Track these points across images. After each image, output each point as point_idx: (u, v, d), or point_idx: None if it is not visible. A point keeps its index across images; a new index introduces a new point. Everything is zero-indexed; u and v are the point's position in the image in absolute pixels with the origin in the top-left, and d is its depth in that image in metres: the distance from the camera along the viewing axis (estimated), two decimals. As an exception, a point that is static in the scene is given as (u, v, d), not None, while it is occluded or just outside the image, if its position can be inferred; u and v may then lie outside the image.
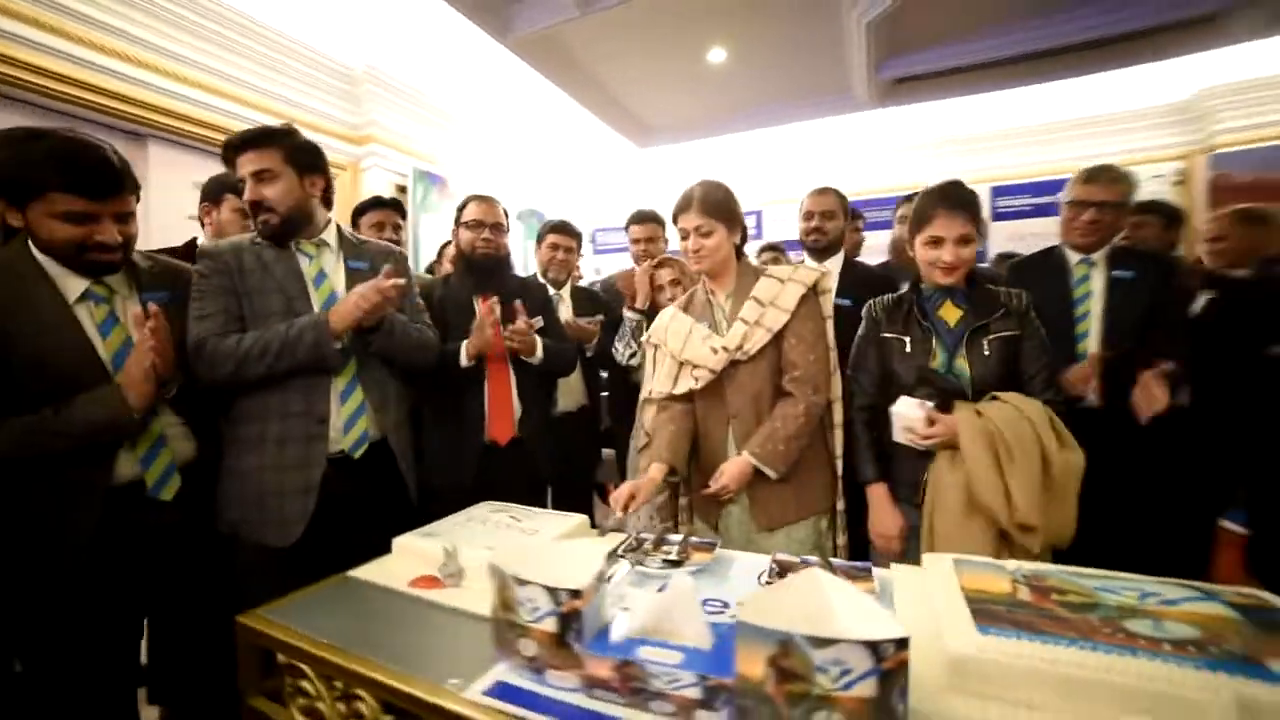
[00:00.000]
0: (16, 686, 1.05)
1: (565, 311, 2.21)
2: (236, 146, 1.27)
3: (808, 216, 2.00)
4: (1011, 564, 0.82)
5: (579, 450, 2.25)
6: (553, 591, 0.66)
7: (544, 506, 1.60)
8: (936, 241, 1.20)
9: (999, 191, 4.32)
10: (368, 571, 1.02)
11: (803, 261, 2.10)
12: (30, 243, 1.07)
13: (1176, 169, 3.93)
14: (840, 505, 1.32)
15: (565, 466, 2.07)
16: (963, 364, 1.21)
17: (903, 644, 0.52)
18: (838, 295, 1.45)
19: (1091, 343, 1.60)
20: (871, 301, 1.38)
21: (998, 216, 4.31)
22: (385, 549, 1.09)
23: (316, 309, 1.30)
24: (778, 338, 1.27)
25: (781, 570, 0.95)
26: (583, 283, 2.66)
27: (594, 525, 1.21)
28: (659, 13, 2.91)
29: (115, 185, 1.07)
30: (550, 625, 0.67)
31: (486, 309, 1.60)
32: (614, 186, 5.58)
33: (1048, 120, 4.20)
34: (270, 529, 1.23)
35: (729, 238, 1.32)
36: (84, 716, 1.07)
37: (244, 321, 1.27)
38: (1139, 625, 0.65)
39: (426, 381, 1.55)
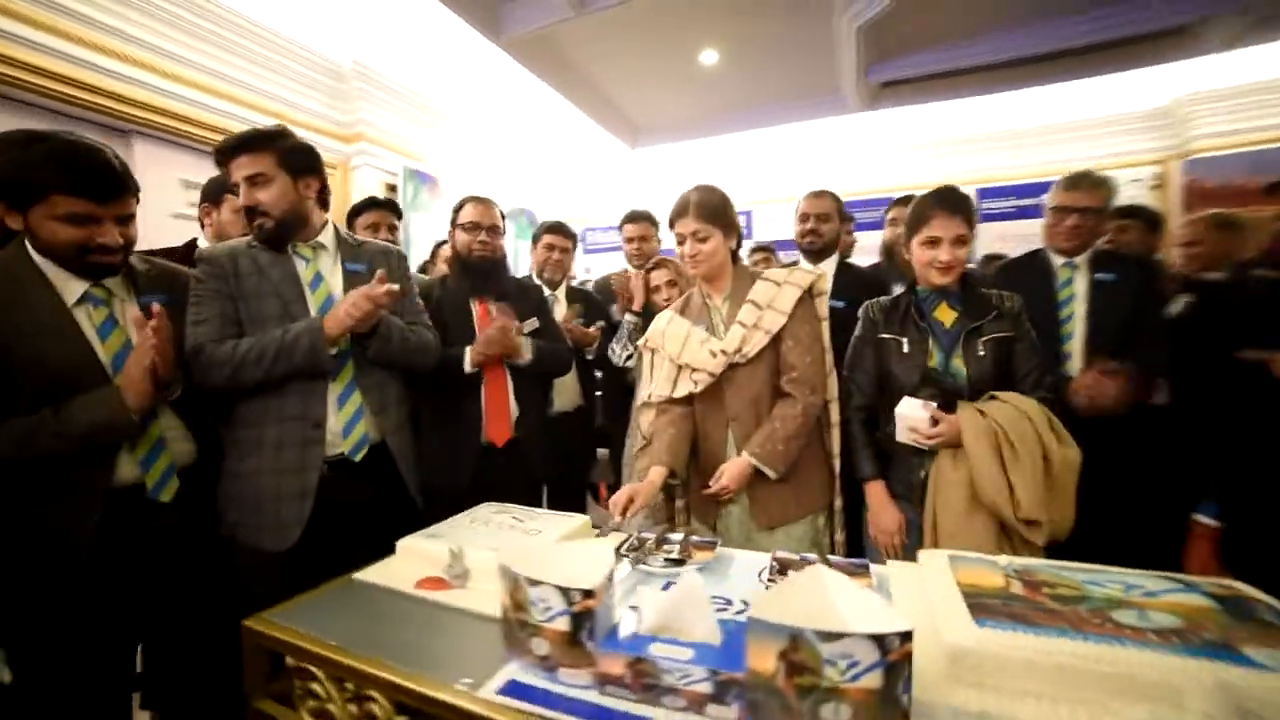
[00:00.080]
0: (8, 692, 1.04)
1: (560, 312, 2.22)
2: (229, 150, 1.26)
3: (803, 219, 2.03)
4: (1004, 559, 0.86)
5: (575, 450, 2.26)
6: (565, 591, 0.68)
7: (539, 506, 1.62)
8: (934, 242, 1.24)
9: (985, 193, 4.41)
10: (372, 574, 1.03)
11: (796, 263, 2.13)
12: (28, 245, 1.06)
13: (1154, 173, 4.04)
14: (838, 503, 1.35)
15: (563, 466, 2.08)
16: (959, 364, 1.24)
17: (907, 637, 0.54)
18: (832, 297, 1.47)
19: (1076, 344, 1.65)
20: (868, 303, 1.41)
21: (984, 218, 4.39)
22: (385, 551, 1.09)
23: (313, 312, 1.29)
24: (775, 340, 1.29)
25: (782, 568, 0.97)
26: (574, 282, 2.67)
27: (594, 525, 1.23)
28: (652, 14, 2.92)
29: (117, 188, 1.06)
30: (563, 624, 0.68)
31: (489, 319, 1.61)
32: (605, 186, 5.59)
33: (1031, 124, 4.30)
34: (267, 533, 1.23)
35: (725, 242, 1.34)
36: None
37: (241, 326, 1.26)
38: (1125, 616, 0.68)
39: (424, 384, 1.56)
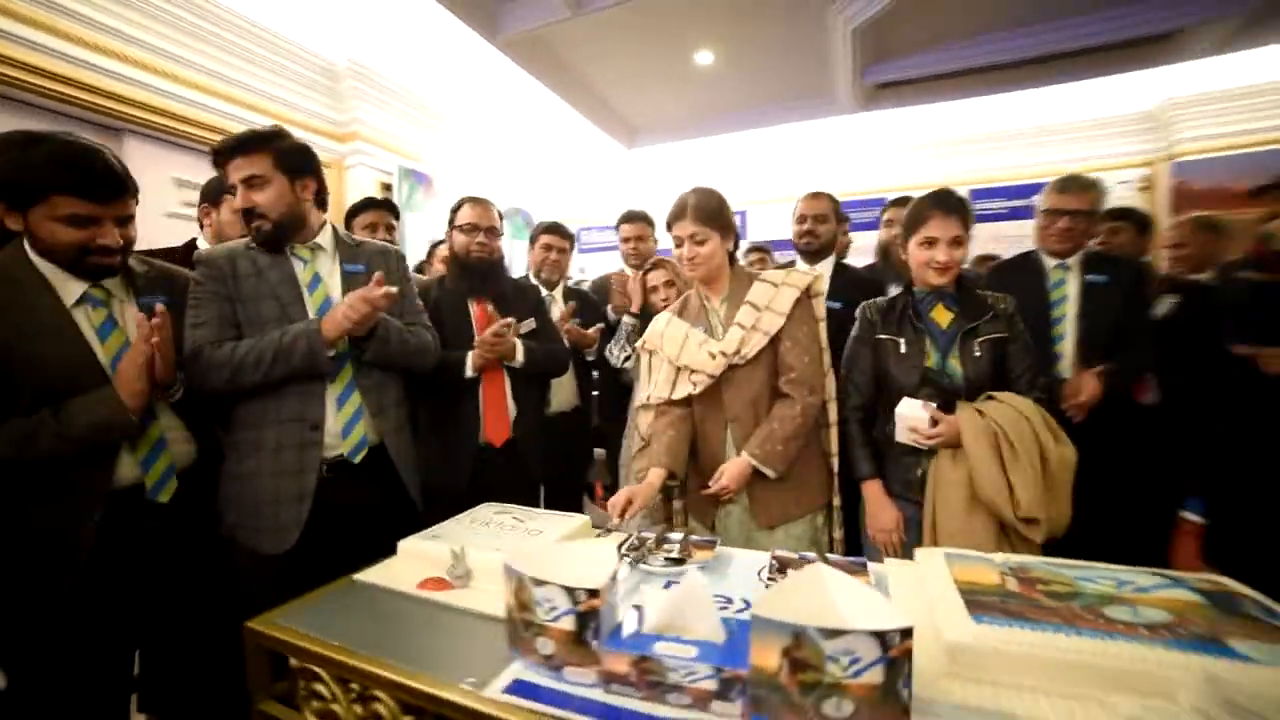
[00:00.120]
0: (4, 696, 1.04)
1: (557, 312, 2.22)
2: (225, 152, 1.26)
3: (801, 220, 2.04)
4: (999, 557, 0.87)
5: (572, 450, 2.26)
6: (571, 591, 0.69)
7: (537, 506, 1.62)
8: (931, 242, 1.25)
9: (978, 194, 4.45)
10: (373, 575, 1.03)
11: (793, 263, 2.15)
12: (27, 246, 1.06)
13: (1142, 175, 4.10)
14: (836, 501, 1.36)
15: (561, 467, 2.08)
16: (955, 365, 1.26)
17: (907, 633, 0.55)
18: (828, 298, 1.49)
19: (1067, 345, 1.68)
20: (865, 304, 1.43)
21: (977, 218, 4.41)
22: (384, 553, 1.09)
23: (311, 314, 1.29)
24: (774, 341, 1.30)
25: (781, 566, 0.98)
26: (570, 282, 2.68)
27: (594, 525, 1.23)
28: (648, 15, 2.93)
29: (118, 189, 1.06)
30: (568, 624, 0.69)
31: (487, 320, 1.61)
32: (600, 186, 5.60)
33: (1023, 126, 4.35)
34: (265, 535, 1.23)
35: (722, 244, 1.35)
36: None
37: (240, 328, 1.26)
38: (1117, 611, 0.70)
39: (422, 385, 1.56)
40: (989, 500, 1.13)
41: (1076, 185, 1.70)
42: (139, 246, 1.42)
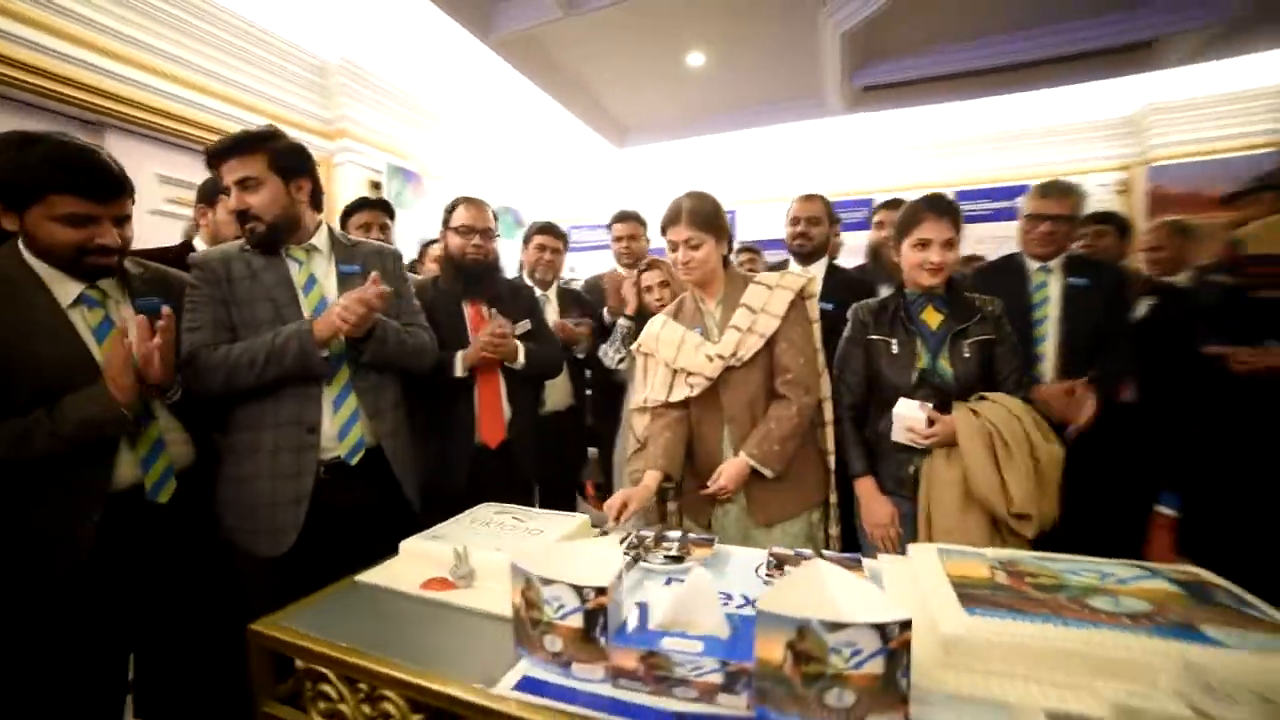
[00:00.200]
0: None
1: (551, 312, 2.23)
2: (219, 153, 1.25)
3: (794, 222, 2.07)
4: (989, 552, 0.91)
5: (566, 450, 2.27)
6: (579, 589, 0.70)
7: (531, 506, 1.63)
8: (924, 244, 1.29)
9: (962, 195, 4.54)
10: (374, 575, 1.03)
11: (785, 263, 2.18)
12: (22, 247, 1.05)
13: (1119, 179, 4.22)
14: (833, 498, 1.39)
15: (558, 466, 2.09)
16: (945, 365, 1.30)
17: (906, 625, 0.58)
18: (821, 299, 1.52)
19: (1049, 346, 1.73)
20: (856, 305, 1.46)
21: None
22: (382, 555, 1.09)
23: (306, 316, 1.29)
24: (770, 343, 1.32)
25: (778, 563, 1.00)
26: (561, 282, 2.68)
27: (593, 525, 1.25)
28: (641, 16, 2.94)
29: (116, 188, 1.06)
30: (576, 621, 0.70)
31: (481, 323, 1.61)
32: (590, 185, 5.59)
33: (1006, 129, 4.45)
34: (263, 538, 1.23)
35: (717, 248, 1.36)
36: None
37: (235, 331, 1.25)
38: (1100, 602, 0.74)
39: (418, 387, 1.56)
40: (983, 497, 1.16)
41: (1057, 191, 1.75)
42: (126, 245, 1.41)
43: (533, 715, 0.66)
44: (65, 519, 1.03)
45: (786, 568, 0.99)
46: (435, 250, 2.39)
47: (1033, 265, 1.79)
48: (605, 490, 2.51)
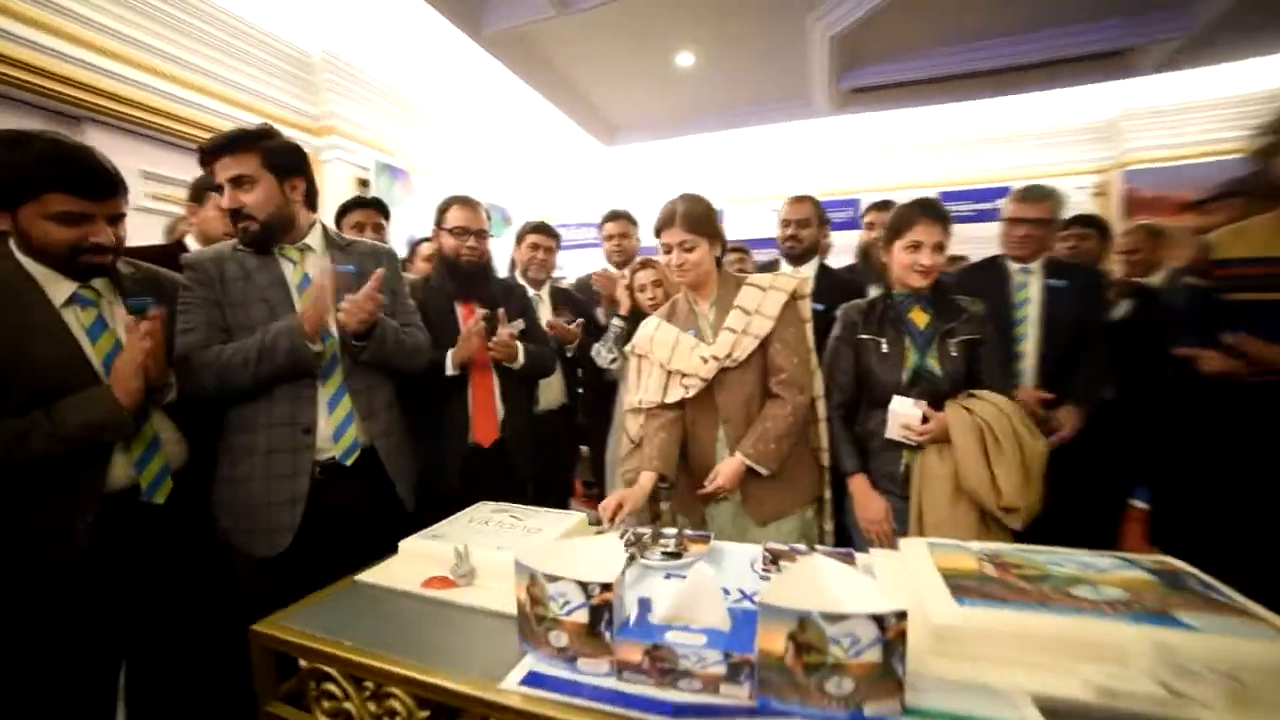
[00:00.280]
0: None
1: (544, 312, 2.23)
2: (212, 151, 1.24)
3: (785, 224, 2.10)
4: (976, 545, 0.94)
5: (560, 448, 2.28)
6: (584, 586, 0.72)
7: (525, 504, 1.63)
8: (916, 246, 1.32)
9: (945, 197, 4.63)
10: (374, 575, 1.04)
11: (776, 263, 2.21)
12: (14, 247, 1.03)
13: (1096, 182, 4.34)
14: (827, 494, 1.42)
15: (551, 465, 2.10)
16: (933, 364, 1.33)
17: (902, 616, 0.61)
18: (812, 300, 1.54)
19: (1029, 345, 1.79)
20: (845, 306, 1.49)
21: (945, 221, 4.63)
22: (378, 555, 1.10)
23: None
24: (764, 343, 1.34)
25: (774, 558, 1.03)
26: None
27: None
28: (632, 16, 2.95)
29: (110, 186, 1.05)
30: (581, 617, 0.72)
31: (472, 320, 1.61)
32: (579, 183, 5.59)
33: (988, 132, 4.55)
34: (258, 539, 1.22)
35: (710, 251, 1.37)
36: None
37: (229, 333, 1.24)
38: (1082, 590, 0.77)
39: (411, 387, 1.55)
40: (972, 491, 1.21)
41: (1035, 195, 1.80)
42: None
43: (539, 709, 0.67)
44: (59, 520, 1.02)
45: (781, 563, 1.01)
46: (426, 249, 2.38)
47: (1014, 267, 1.85)
48: (594, 488, 2.52)
